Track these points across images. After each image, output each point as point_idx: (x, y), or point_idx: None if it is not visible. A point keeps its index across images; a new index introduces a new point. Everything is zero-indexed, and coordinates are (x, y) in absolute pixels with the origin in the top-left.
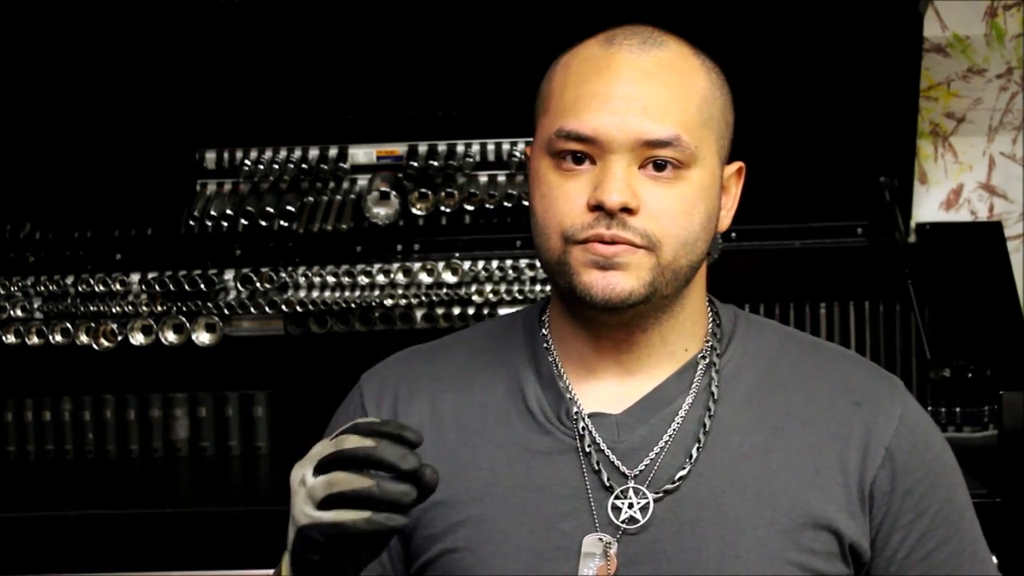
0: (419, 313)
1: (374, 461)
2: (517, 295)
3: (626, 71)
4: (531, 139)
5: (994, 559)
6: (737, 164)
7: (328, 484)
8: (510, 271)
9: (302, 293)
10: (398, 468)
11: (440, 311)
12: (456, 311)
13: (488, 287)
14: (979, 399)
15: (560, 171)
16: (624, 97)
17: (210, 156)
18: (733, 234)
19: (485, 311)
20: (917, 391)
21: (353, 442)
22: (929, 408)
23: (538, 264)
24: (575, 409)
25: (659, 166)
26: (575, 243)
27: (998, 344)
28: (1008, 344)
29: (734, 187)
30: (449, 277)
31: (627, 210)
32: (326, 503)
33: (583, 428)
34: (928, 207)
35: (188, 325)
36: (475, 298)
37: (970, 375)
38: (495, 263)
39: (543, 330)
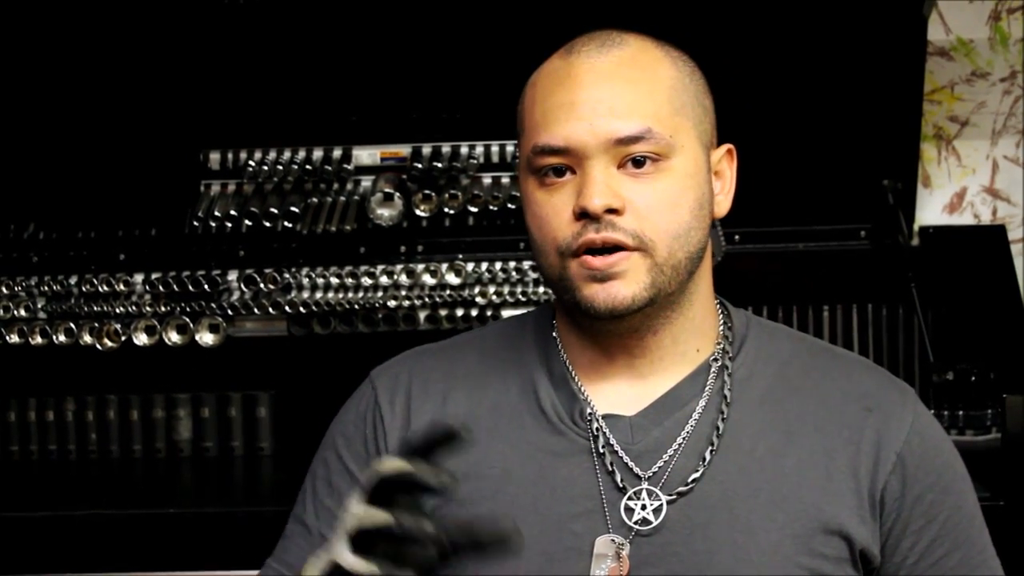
0: (422, 314)
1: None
2: (520, 297)
3: (586, 76)
4: None
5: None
6: (726, 146)
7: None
8: (513, 273)
9: (305, 294)
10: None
11: (443, 312)
12: (459, 312)
13: (491, 289)
14: (982, 402)
15: (544, 187)
16: (588, 101)
17: (214, 157)
18: (737, 236)
19: (488, 313)
20: (920, 394)
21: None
22: (932, 411)
23: None
24: (589, 410)
25: (638, 162)
26: (570, 256)
27: (1001, 347)
28: (1011, 347)
29: (727, 170)
30: (452, 278)
31: (613, 211)
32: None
33: (597, 429)
34: (931, 210)
35: (192, 326)
36: (478, 300)
37: (973, 378)
38: (499, 264)
39: (554, 332)
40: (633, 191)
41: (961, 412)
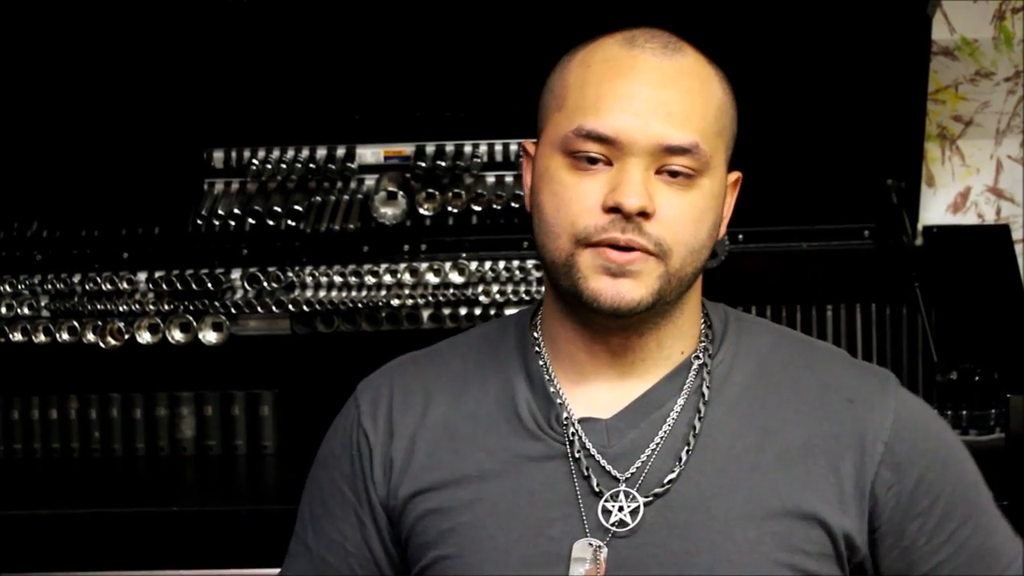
0: (426, 313)
1: None
2: (524, 296)
3: (649, 74)
4: (535, 139)
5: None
6: (736, 175)
7: None
8: (517, 272)
9: (309, 293)
10: None
11: (447, 311)
12: (463, 311)
13: (495, 288)
14: (986, 402)
15: (575, 170)
16: (648, 100)
17: (218, 155)
18: (740, 236)
19: (492, 312)
20: (923, 394)
21: None
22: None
23: None
24: (565, 415)
25: (674, 173)
26: (587, 245)
27: (1005, 347)
28: (1015, 347)
29: (730, 197)
30: (456, 277)
31: (643, 214)
32: None
33: (573, 434)
34: (935, 210)
35: (195, 324)
36: (482, 298)
37: (977, 378)
38: (502, 264)
39: (535, 333)
40: (665, 199)
41: (964, 412)
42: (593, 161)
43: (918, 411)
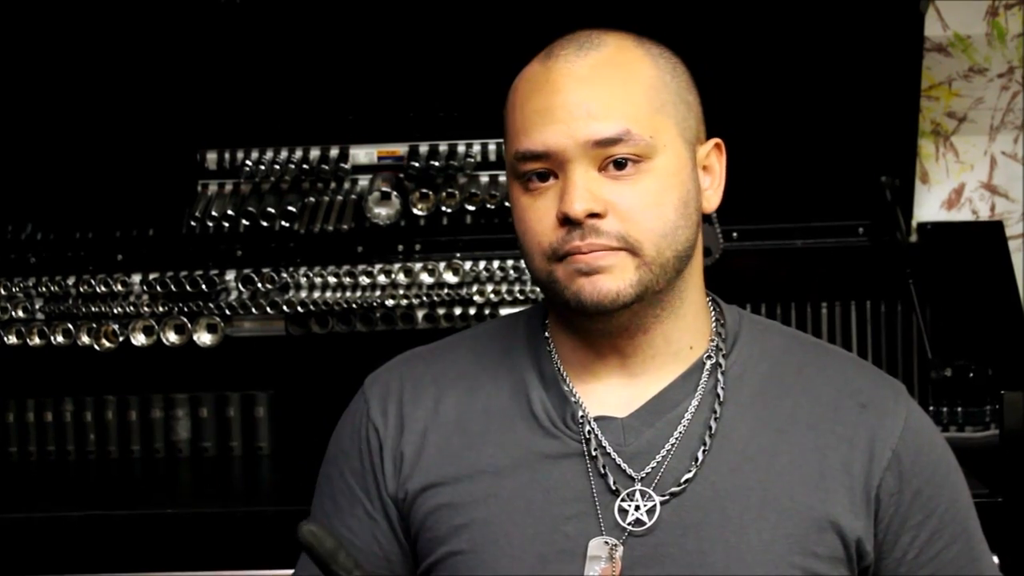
0: (420, 313)
1: None
2: (518, 295)
3: (563, 80)
4: None
5: (995, 559)
6: (713, 140)
7: None
8: (511, 271)
9: (303, 293)
10: None
11: (441, 311)
12: (457, 311)
13: (489, 287)
14: (980, 399)
15: (529, 193)
16: (565, 105)
17: (211, 156)
18: (735, 234)
19: (486, 311)
20: (918, 391)
21: None
22: (931, 408)
23: None
24: (581, 413)
25: (619, 164)
26: (558, 260)
27: (999, 344)
28: (1009, 344)
29: (716, 164)
30: (450, 277)
31: (595, 215)
32: None
33: (589, 432)
34: (929, 207)
35: (189, 326)
36: (476, 298)
37: (971, 375)
38: (496, 263)
39: (546, 332)
40: (615, 193)
41: (959, 408)
42: (544, 178)
43: (926, 426)
